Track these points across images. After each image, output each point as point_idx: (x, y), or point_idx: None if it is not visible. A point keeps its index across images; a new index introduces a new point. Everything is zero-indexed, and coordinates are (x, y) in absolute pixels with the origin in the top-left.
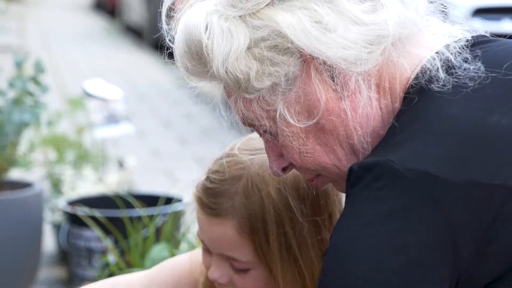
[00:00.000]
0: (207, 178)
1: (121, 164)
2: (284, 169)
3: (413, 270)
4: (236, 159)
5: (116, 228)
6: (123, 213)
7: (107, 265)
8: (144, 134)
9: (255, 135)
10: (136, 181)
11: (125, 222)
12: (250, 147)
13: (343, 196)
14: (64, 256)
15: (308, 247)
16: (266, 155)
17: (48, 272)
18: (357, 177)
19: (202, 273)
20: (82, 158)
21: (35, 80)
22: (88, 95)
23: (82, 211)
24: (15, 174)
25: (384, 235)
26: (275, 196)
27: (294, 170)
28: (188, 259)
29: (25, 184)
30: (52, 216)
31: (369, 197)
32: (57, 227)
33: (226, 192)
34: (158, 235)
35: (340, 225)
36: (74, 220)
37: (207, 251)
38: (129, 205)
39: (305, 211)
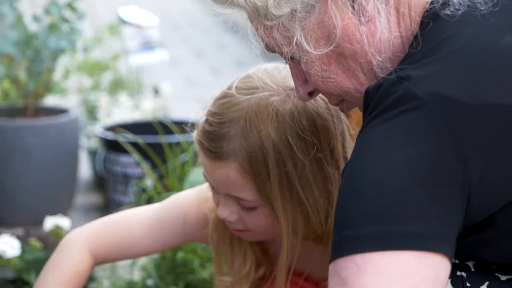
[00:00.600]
0: (206, 121)
1: (156, 91)
2: (310, 94)
3: (427, 185)
4: (233, 100)
5: (154, 153)
6: (161, 138)
7: (143, 190)
8: (177, 63)
9: (253, 71)
10: (170, 108)
11: (163, 147)
12: (247, 86)
13: (345, 130)
14: (100, 183)
15: (311, 185)
16: (263, 94)
17: (84, 198)
18: (372, 99)
19: (213, 209)
20: (117, 85)
21: (71, 6)
22: (123, 21)
23: (119, 137)
24: (51, 100)
25: (399, 155)
26: (274, 136)
27: (292, 109)
28: (195, 195)
29: (61, 110)
30: (87, 142)
31: (384, 119)
32: (92, 153)
33: (225, 135)
34: (195, 160)
35: (357, 146)
36: (110, 146)
37: (215, 190)
38: (165, 131)
39: (306, 149)
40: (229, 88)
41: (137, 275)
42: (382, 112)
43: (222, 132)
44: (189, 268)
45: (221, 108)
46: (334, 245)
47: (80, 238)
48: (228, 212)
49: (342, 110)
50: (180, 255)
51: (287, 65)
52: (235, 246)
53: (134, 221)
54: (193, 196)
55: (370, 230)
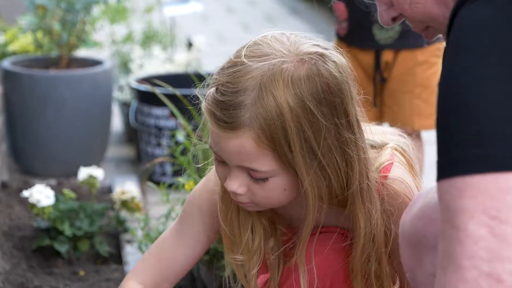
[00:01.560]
0: (217, 90)
1: (189, 44)
2: (394, 19)
3: None
4: (245, 68)
5: (190, 105)
6: (195, 90)
7: (176, 142)
8: (208, 18)
9: (260, 39)
10: (203, 62)
11: (199, 98)
12: (258, 53)
13: (355, 93)
14: (132, 136)
15: (331, 150)
16: (275, 60)
17: (116, 151)
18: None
19: (217, 183)
20: (151, 37)
21: None
22: None
23: (153, 88)
24: (84, 52)
25: (493, 64)
26: (291, 102)
27: (307, 74)
28: (202, 184)
29: (95, 61)
30: (120, 95)
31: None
32: (125, 106)
33: (240, 104)
34: None
35: (448, 57)
36: (143, 97)
37: (222, 162)
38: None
39: (323, 114)
40: (237, 56)
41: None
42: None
43: (237, 101)
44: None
45: (233, 77)
46: (438, 165)
47: (132, 278)
48: (237, 185)
49: (426, 37)
50: None
51: (295, 31)
52: (242, 219)
53: (163, 244)
54: (201, 186)
55: (475, 152)
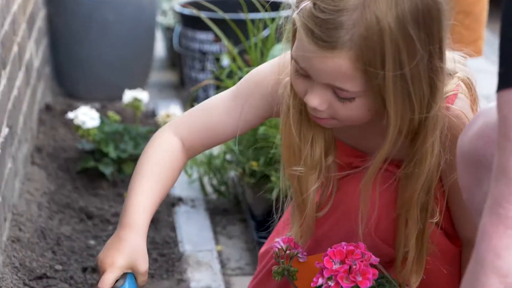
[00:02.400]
0: (316, 6)
1: None
2: None
3: None
4: None
5: (237, 29)
6: (241, 15)
7: (221, 67)
8: None
9: None
10: None
11: (247, 22)
12: None
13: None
14: (175, 61)
15: (421, 76)
16: None
17: (159, 76)
18: None
19: (289, 91)
20: None
21: None
22: None
23: (199, 12)
24: None
25: None
26: (393, 25)
27: None
28: (277, 66)
29: None
30: (164, 19)
31: None
32: (168, 30)
33: (342, 24)
34: (277, 36)
35: None
36: (187, 22)
37: (305, 76)
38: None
39: (420, 40)
40: None
41: (216, 150)
42: None
43: (339, 20)
44: (270, 143)
45: None
46: (499, 76)
47: (168, 128)
48: (319, 101)
49: None
50: (261, 129)
51: None
52: (304, 131)
53: (214, 103)
54: (274, 68)
55: None
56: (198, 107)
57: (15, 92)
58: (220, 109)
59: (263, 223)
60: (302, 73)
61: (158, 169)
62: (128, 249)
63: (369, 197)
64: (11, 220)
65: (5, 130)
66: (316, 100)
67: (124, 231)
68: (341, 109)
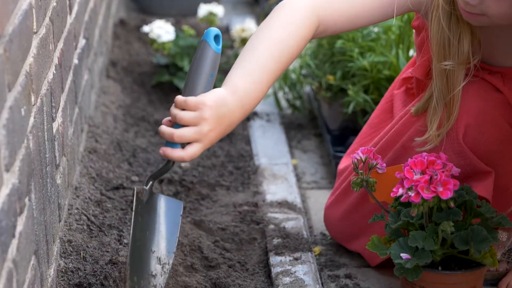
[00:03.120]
0: None
1: None
2: None
3: None
4: None
5: None
6: None
7: None
8: None
9: None
10: None
11: None
12: None
13: None
14: None
15: None
16: None
17: None
18: None
19: None
20: None
21: None
22: None
23: None
24: None
25: None
26: None
27: None
28: None
29: None
30: None
31: None
32: None
33: None
34: None
35: None
36: None
37: None
38: None
39: None
40: None
41: (292, 64)
42: None
43: None
44: (347, 57)
45: None
46: None
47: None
48: None
49: None
50: (339, 43)
51: None
52: (453, 26)
53: None
54: None
55: None
56: None
57: (91, 4)
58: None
59: (339, 138)
60: None
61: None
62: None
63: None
64: (87, 131)
65: (82, 42)
66: None
67: (242, 108)
68: (492, 4)
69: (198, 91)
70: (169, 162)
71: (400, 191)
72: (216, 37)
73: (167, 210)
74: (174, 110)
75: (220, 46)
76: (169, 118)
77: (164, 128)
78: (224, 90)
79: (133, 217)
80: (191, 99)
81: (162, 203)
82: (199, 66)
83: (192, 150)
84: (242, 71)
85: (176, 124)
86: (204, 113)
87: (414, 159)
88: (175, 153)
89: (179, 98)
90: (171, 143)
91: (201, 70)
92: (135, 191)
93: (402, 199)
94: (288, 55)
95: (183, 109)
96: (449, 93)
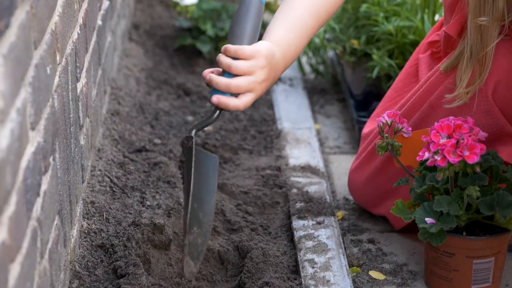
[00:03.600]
0: None
1: None
2: None
3: None
4: None
5: None
6: None
7: None
8: None
9: None
10: None
11: None
12: None
13: None
14: None
15: None
16: None
17: None
18: None
19: None
20: None
21: None
22: None
23: None
24: None
25: None
26: None
27: None
28: None
29: None
30: None
31: None
32: None
33: None
34: None
35: None
36: None
37: None
38: None
39: None
40: None
41: None
42: None
43: None
44: (372, 21)
45: None
46: None
47: None
48: None
49: None
50: (363, 7)
51: None
52: None
53: None
54: None
55: None
56: None
57: None
58: None
59: (362, 103)
60: None
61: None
62: (273, 82)
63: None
64: (110, 94)
65: (106, 3)
66: None
67: (283, 61)
68: None
69: (245, 41)
70: (216, 112)
71: (426, 155)
72: None
73: (208, 163)
74: (226, 59)
75: None
76: (211, 69)
77: (217, 78)
78: (269, 42)
79: (185, 166)
80: (247, 48)
81: (204, 156)
82: (247, 16)
83: (246, 99)
84: (282, 25)
85: (226, 73)
86: (260, 62)
87: (441, 123)
88: (231, 102)
89: (230, 46)
90: (221, 92)
91: (249, 20)
92: (182, 140)
93: (428, 163)
94: (325, 11)
95: (235, 58)
96: (482, 49)
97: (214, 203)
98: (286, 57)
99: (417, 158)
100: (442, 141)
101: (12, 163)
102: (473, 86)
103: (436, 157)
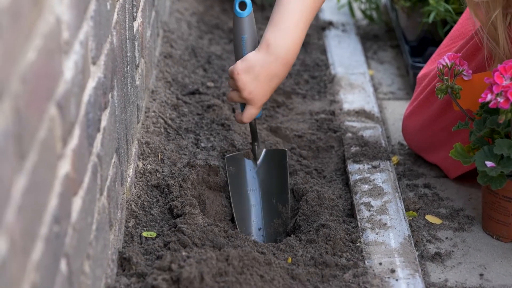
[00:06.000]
0: None
1: None
2: None
3: None
4: None
5: None
6: None
7: None
8: None
9: None
10: None
11: None
12: None
13: None
14: None
15: None
16: None
17: None
18: None
19: None
20: None
21: None
22: None
23: None
24: None
25: None
26: None
27: None
28: None
29: None
30: None
31: None
32: None
33: None
34: None
35: None
36: None
37: None
38: None
39: None
40: None
41: None
42: None
43: None
44: None
45: None
46: None
47: None
48: None
49: None
50: None
51: None
52: None
53: None
54: None
55: None
56: None
57: None
58: None
59: (417, 48)
60: None
61: None
62: (277, 80)
63: None
64: (162, 36)
65: None
66: None
67: (277, 60)
68: None
69: (238, 56)
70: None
71: (489, 96)
72: (242, 4)
73: (276, 160)
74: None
75: (246, 11)
76: None
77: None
78: (257, 50)
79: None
80: (229, 69)
81: (270, 156)
82: (234, 34)
83: (247, 111)
84: (270, 24)
85: None
86: (237, 82)
87: (504, 64)
88: (237, 116)
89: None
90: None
91: (234, 37)
92: (243, 155)
93: (490, 105)
94: None
95: None
96: None
97: (289, 192)
98: (278, 55)
99: (479, 100)
100: (505, 82)
101: (76, 95)
102: None
103: (499, 99)
